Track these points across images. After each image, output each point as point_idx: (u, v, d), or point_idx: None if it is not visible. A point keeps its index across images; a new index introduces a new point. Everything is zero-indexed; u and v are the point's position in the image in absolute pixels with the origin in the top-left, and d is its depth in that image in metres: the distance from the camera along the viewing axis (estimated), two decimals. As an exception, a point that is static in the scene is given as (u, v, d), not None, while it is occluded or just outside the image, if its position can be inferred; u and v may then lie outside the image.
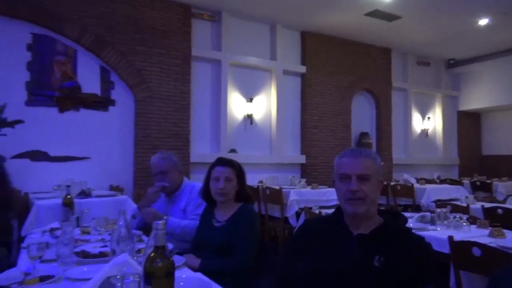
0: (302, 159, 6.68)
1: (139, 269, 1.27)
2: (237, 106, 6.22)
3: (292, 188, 4.98)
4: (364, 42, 7.40)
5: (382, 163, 1.52)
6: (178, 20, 5.50)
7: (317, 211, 3.46)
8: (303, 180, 5.47)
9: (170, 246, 2.02)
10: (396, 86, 7.94)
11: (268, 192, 4.82)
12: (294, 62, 6.79)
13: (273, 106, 6.52)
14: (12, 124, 4.51)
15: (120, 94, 5.19)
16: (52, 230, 2.42)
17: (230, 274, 1.86)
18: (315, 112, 6.85)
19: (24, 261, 1.71)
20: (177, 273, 1.57)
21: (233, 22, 6.17)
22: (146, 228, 2.53)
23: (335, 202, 4.33)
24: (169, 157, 2.76)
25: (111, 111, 5.14)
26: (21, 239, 2.76)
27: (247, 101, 6.27)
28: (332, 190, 4.68)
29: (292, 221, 4.53)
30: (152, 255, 1.08)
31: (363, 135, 7.44)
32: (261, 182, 5.60)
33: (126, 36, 5.10)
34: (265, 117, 6.48)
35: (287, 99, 6.65)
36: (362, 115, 7.60)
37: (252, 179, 5.51)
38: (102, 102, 5.07)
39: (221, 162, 2.22)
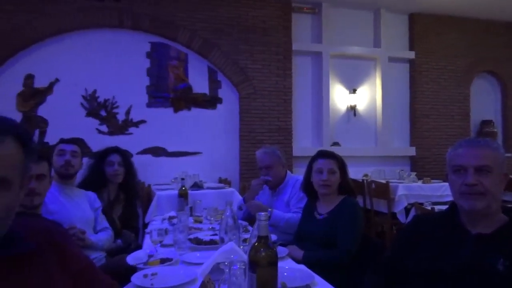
0: (412, 151, 6.22)
1: (245, 257, 1.34)
2: (339, 98, 6.07)
3: (401, 182, 4.68)
4: (485, 19, 6.53)
5: (507, 155, 1.34)
6: (278, 16, 5.58)
7: (429, 207, 3.21)
8: (413, 174, 5.09)
9: (274, 237, 2.08)
10: (528, 65, 6.85)
11: (373, 186, 4.61)
12: (401, 48, 6.34)
13: (378, 96, 6.19)
14: (137, 124, 5.15)
15: (226, 92, 5.48)
16: (170, 218, 2.69)
17: (332, 267, 1.85)
18: (426, 100, 6.30)
19: (147, 244, 1.93)
20: (281, 264, 1.60)
21: (334, 12, 6.02)
22: (251, 219, 2.64)
23: (451, 198, 3.94)
24: (273, 151, 2.83)
25: (219, 108, 5.46)
26: (145, 225, 3.13)
27: (350, 93, 6.06)
28: (448, 184, 4.28)
29: (401, 217, 4.27)
30: (256, 244, 1.13)
31: (485, 123, 6.60)
32: (366, 175, 5.38)
33: (230, 37, 5.36)
34: (369, 108, 6.20)
35: (394, 88, 6.26)
36: (483, 100, 6.73)
37: (356, 173, 5.32)
38: (210, 101, 5.43)
39: (323, 154, 2.21)
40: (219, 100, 5.46)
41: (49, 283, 0.85)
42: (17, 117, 4.67)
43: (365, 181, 4.93)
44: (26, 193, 1.69)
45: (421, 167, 6.08)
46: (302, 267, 1.60)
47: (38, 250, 0.85)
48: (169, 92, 5.27)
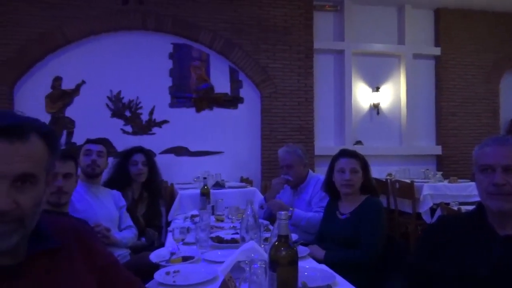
0: (438, 150, 6.07)
1: (265, 255, 1.34)
2: (362, 96, 5.98)
3: (426, 182, 4.57)
4: (515, 12, 6.31)
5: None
6: (300, 15, 5.55)
7: (455, 208, 3.12)
8: (439, 173, 4.97)
9: (295, 236, 2.08)
10: (561, 60, 6.55)
11: (397, 185, 4.52)
12: (426, 44, 6.19)
13: (403, 93, 6.07)
14: (160, 124, 5.23)
15: (248, 91, 5.49)
16: (192, 216, 2.72)
17: (354, 267, 1.82)
18: (453, 97, 6.13)
19: (170, 242, 1.96)
20: (302, 263, 1.60)
21: (356, 10, 5.93)
22: (272, 218, 2.64)
23: (478, 198, 3.82)
24: (295, 151, 2.82)
25: (240, 108, 5.48)
26: (168, 224, 3.18)
27: (373, 91, 5.97)
28: (475, 184, 4.14)
29: (426, 217, 4.17)
30: (276, 243, 1.13)
31: (516, 121, 6.37)
32: (390, 175, 5.28)
33: (251, 37, 5.37)
34: (393, 106, 6.08)
35: (419, 85, 6.12)
36: (514, 97, 6.50)
37: (380, 172, 5.23)
38: (232, 101, 5.46)
39: (345, 153, 2.18)
40: (241, 100, 5.48)
41: (75, 278, 0.88)
42: (46, 118, 4.83)
43: (389, 180, 4.85)
44: (54, 191, 1.75)
45: (447, 166, 5.93)
46: (323, 267, 1.58)
47: (65, 246, 0.88)
48: (191, 93, 5.32)
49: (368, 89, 6.00)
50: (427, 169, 5.39)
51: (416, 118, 6.06)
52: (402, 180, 4.67)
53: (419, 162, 5.95)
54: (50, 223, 0.90)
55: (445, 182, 4.63)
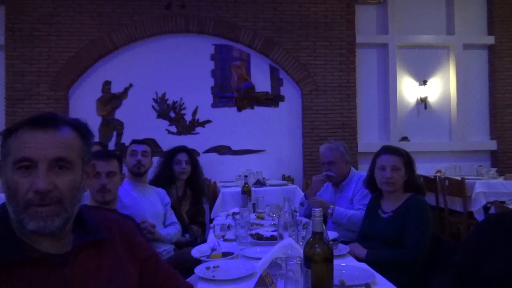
0: (493, 145, 5.70)
1: (302, 252, 1.34)
2: (408, 90, 5.76)
3: (479, 179, 4.32)
4: None
5: None
6: (341, 10, 5.44)
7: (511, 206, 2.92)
8: (493, 170, 4.66)
9: (335, 234, 2.05)
10: None
11: (447, 183, 4.31)
12: (478, 33, 5.83)
13: (453, 86, 5.76)
14: (203, 124, 5.36)
15: (288, 89, 5.48)
16: (234, 214, 2.76)
17: (398, 267, 1.77)
18: (509, 88, 5.73)
19: (211, 238, 2.01)
20: (341, 261, 1.59)
21: (401, 0, 5.71)
22: (313, 216, 2.61)
23: (538, 196, 3.56)
24: (337, 147, 2.77)
25: (281, 106, 5.49)
26: (211, 221, 3.26)
27: (420, 84, 5.72)
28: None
29: (479, 216, 3.93)
30: (310, 240, 1.13)
31: None
32: (439, 171, 5.05)
33: (291, 34, 5.35)
34: (442, 99, 5.80)
35: (470, 77, 5.78)
36: None
37: (428, 169, 5.02)
38: (273, 99, 5.47)
39: (387, 150, 2.11)
40: (282, 98, 5.48)
41: (118, 269, 0.95)
42: (97, 120, 5.12)
43: (438, 178, 4.62)
44: (98, 189, 1.85)
45: (503, 162, 5.56)
46: (363, 265, 1.56)
47: (109, 239, 0.96)
48: (233, 92, 5.40)
49: (415, 83, 5.76)
50: (480, 166, 5.09)
51: (467, 112, 5.74)
52: (452, 177, 4.44)
53: (471, 158, 5.63)
54: (96, 218, 0.98)
55: (500, 179, 4.35)
